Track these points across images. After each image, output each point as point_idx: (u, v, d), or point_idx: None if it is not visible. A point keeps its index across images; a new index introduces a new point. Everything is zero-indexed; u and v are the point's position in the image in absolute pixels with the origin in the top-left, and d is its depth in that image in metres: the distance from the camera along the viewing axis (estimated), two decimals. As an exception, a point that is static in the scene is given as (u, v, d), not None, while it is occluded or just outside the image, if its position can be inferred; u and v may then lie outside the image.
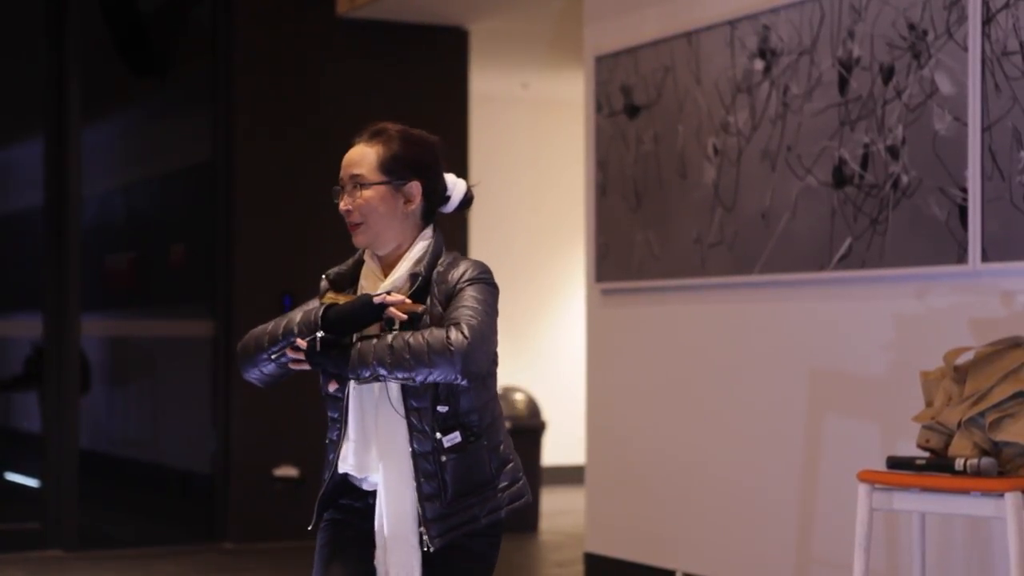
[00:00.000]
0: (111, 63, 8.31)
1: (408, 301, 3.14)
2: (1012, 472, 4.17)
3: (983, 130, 4.82)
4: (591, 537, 6.80)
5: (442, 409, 3.16)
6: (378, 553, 3.20)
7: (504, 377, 8.86)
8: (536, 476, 8.74)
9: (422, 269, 3.20)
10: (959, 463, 4.17)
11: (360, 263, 3.32)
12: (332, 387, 3.19)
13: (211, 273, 8.22)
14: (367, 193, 3.22)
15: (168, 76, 8.56)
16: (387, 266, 3.26)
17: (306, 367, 3.18)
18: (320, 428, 3.32)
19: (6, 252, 8.38)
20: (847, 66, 5.38)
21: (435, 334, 3.05)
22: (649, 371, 6.47)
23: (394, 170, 3.23)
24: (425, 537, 3.16)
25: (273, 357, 3.21)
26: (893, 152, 5.17)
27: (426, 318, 3.15)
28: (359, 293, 3.25)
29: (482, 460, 3.21)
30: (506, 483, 3.25)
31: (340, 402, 3.23)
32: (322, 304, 3.20)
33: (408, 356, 3.04)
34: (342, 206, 3.25)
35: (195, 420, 8.44)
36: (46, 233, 7.94)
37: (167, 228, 8.71)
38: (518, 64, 9.98)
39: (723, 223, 5.94)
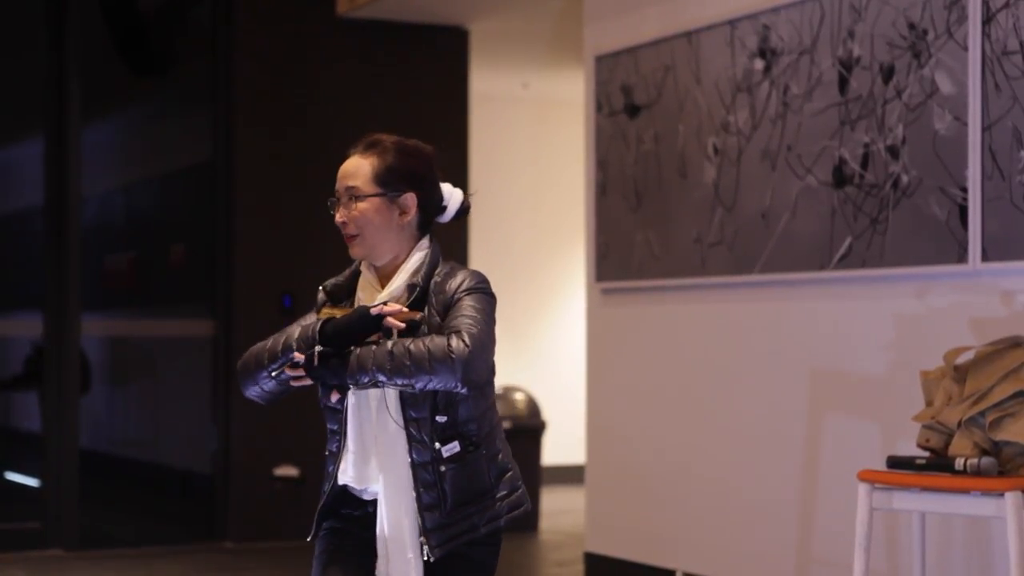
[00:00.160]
0: (111, 63, 8.30)
1: (405, 310, 3.15)
2: (1012, 472, 4.17)
3: (983, 130, 4.82)
4: (591, 537, 6.80)
5: (441, 419, 3.17)
6: (380, 563, 3.21)
7: (504, 377, 8.88)
8: (536, 476, 8.74)
9: (419, 279, 3.21)
10: (959, 463, 4.17)
11: (357, 274, 3.32)
12: (334, 398, 3.19)
13: (211, 273, 8.22)
14: (362, 205, 3.22)
15: (168, 76, 8.56)
16: (384, 277, 3.27)
17: (307, 383, 3.18)
18: (320, 428, 3.32)
19: (6, 252, 8.38)
20: (847, 66, 5.38)
21: (436, 341, 3.06)
22: (649, 371, 6.47)
23: (389, 182, 3.23)
24: (425, 547, 3.17)
25: (273, 374, 3.22)
26: (893, 152, 5.17)
27: (424, 328, 3.16)
28: (356, 305, 3.26)
29: (481, 469, 3.22)
30: (505, 492, 3.26)
31: (339, 414, 3.23)
32: (319, 318, 3.20)
33: (408, 362, 3.05)
34: (338, 218, 3.26)
35: (195, 420, 8.44)
36: (46, 233, 7.94)
37: (167, 228, 8.71)
38: (518, 64, 9.98)
39: (723, 223, 5.94)
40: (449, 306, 3.17)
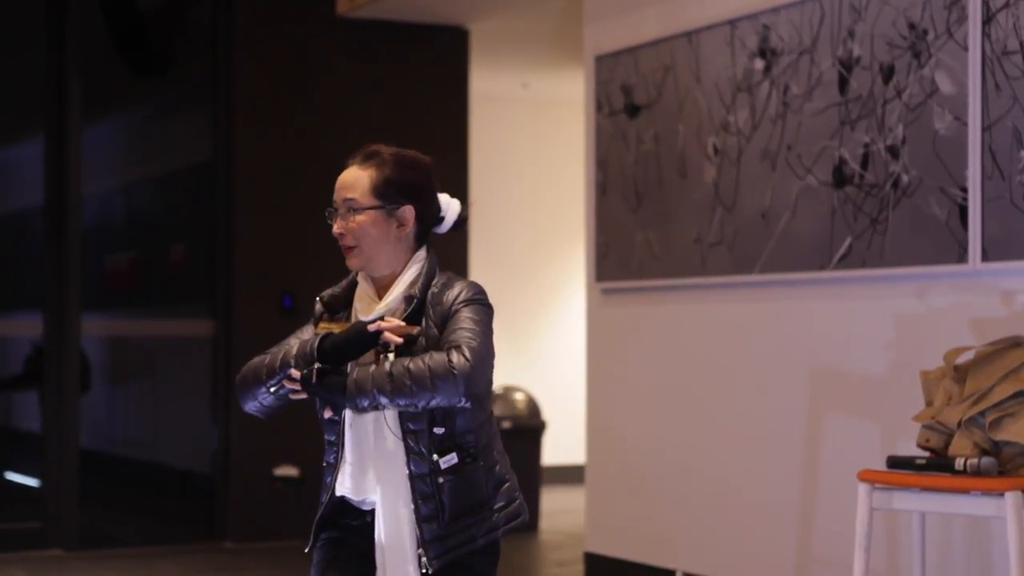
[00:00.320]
0: (111, 63, 8.30)
1: (403, 324, 3.14)
2: (1012, 471, 4.16)
3: (983, 130, 4.82)
4: (591, 537, 6.80)
5: (439, 431, 3.16)
6: (378, 574, 3.21)
7: (504, 377, 8.89)
8: (536, 476, 8.74)
9: (416, 291, 3.21)
10: (959, 463, 4.17)
11: (354, 284, 3.32)
12: (327, 413, 3.19)
13: (211, 273, 8.22)
14: (360, 218, 3.22)
15: (168, 76, 8.56)
16: (381, 288, 3.27)
17: (305, 395, 3.18)
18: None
19: (6, 252, 8.38)
20: (847, 66, 5.38)
21: (435, 358, 3.06)
22: (649, 371, 6.47)
23: (387, 195, 3.23)
24: (424, 559, 3.17)
25: (272, 390, 3.22)
26: (893, 152, 5.17)
27: (422, 340, 3.15)
28: (353, 315, 3.26)
29: (479, 481, 3.22)
30: (503, 503, 3.27)
31: (337, 425, 3.24)
32: (317, 334, 3.20)
33: (409, 382, 3.04)
34: (335, 229, 3.25)
35: (195, 420, 8.44)
36: (46, 233, 7.94)
37: (167, 228, 8.70)
38: (518, 64, 9.98)
39: (723, 223, 5.94)
40: (446, 318, 3.16)
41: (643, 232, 6.39)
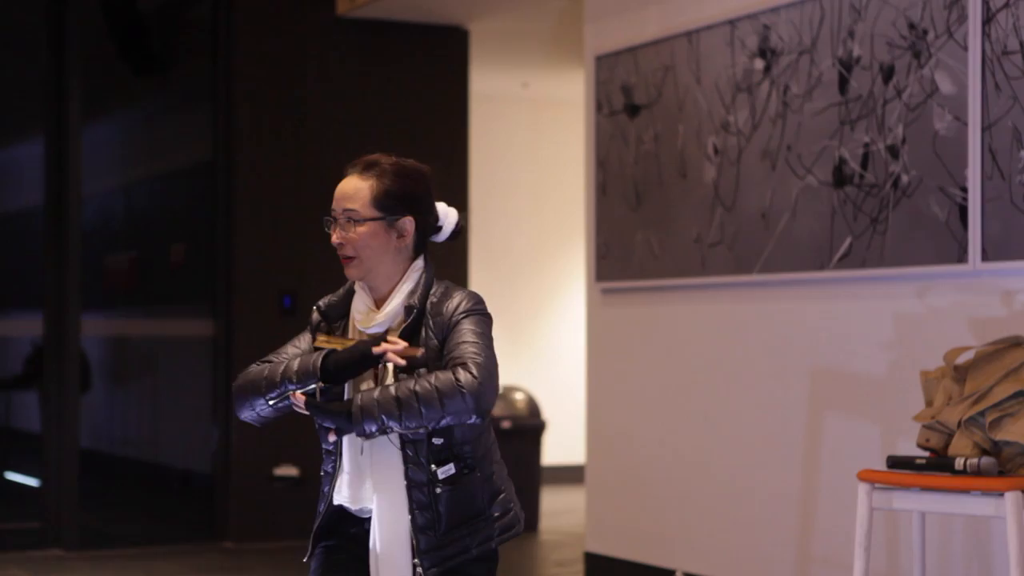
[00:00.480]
0: (111, 63, 8.30)
1: (407, 345, 3.13)
2: (1012, 471, 4.17)
3: (983, 130, 4.82)
4: (591, 537, 6.80)
5: (437, 441, 3.15)
6: None
7: (504, 377, 8.87)
8: (536, 476, 8.74)
9: (416, 301, 3.19)
10: (959, 462, 4.17)
11: (351, 293, 3.30)
12: (332, 438, 3.18)
13: (211, 273, 8.22)
14: (360, 229, 3.20)
15: (168, 76, 8.56)
16: (379, 298, 3.25)
17: (308, 412, 3.18)
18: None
19: (6, 252, 8.38)
20: (847, 65, 5.38)
21: (442, 378, 3.04)
22: (649, 371, 6.47)
23: (387, 206, 3.21)
24: (419, 569, 3.16)
25: (271, 403, 3.21)
26: (893, 152, 5.17)
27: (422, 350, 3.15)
28: (351, 325, 3.25)
29: (475, 492, 3.21)
30: (498, 513, 3.26)
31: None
32: (319, 351, 3.18)
33: (416, 404, 3.02)
34: (335, 239, 3.23)
35: (195, 420, 8.44)
36: (46, 233, 7.94)
37: (167, 228, 8.71)
38: (518, 64, 9.99)
39: (723, 223, 5.94)
40: (447, 328, 3.15)
41: (643, 232, 6.39)
